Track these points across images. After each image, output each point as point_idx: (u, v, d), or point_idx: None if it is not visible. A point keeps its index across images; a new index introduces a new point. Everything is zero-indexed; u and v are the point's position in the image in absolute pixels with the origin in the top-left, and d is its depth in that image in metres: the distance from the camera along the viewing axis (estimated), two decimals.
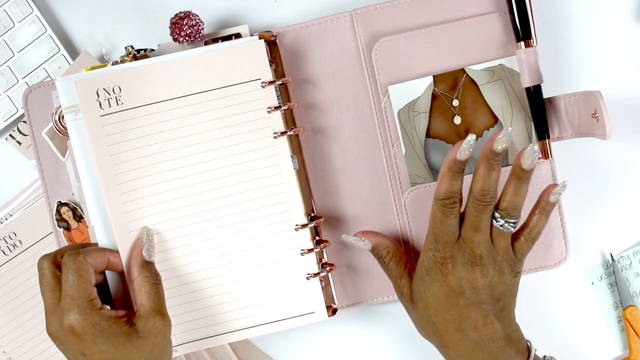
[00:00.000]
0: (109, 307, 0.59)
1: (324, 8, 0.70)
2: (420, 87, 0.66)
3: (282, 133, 0.65)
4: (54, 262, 0.59)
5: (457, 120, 0.67)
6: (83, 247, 0.61)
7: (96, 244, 0.63)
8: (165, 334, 0.59)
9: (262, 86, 0.64)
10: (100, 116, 0.63)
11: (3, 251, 0.71)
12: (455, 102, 0.67)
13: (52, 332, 0.58)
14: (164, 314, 0.59)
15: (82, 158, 0.63)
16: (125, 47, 0.66)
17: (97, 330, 0.57)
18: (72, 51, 0.72)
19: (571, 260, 0.68)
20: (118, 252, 0.62)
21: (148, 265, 0.61)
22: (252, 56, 0.64)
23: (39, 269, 0.59)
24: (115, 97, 0.63)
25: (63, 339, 0.57)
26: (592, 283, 0.70)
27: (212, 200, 0.64)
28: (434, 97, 0.66)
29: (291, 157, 0.65)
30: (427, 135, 0.67)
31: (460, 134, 0.67)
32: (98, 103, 0.63)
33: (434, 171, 0.67)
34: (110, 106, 0.63)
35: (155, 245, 0.63)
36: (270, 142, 0.65)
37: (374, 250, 0.65)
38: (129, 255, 0.62)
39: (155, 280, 0.60)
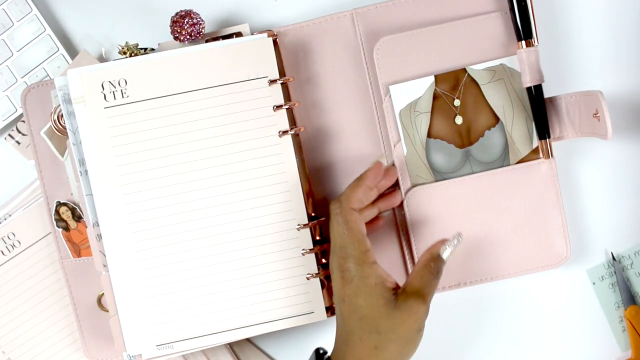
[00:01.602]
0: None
1: (324, 7, 0.70)
2: (421, 87, 0.66)
3: (285, 132, 0.64)
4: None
5: (459, 120, 0.66)
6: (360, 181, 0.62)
7: (360, 177, 0.63)
8: (418, 318, 0.59)
9: (268, 84, 0.64)
10: (105, 108, 0.64)
11: (2, 251, 0.71)
12: (457, 102, 0.66)
13: (330, 268, 0.61)
14: (426, 301, 0.59)
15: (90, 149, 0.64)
16: (124, 45, 0.66)
17: (363, 283, 0.58)
18: (72, 50, 0.72)
19: (572, 261, 0.68)
20: (372, 170, 0.63)
21: (438, 260, 0.61)
22: (260, 53, 0.64)
23: (330, 210, 0.61)
24: (121, 90, 0.64)
25: (333, 279, 0.60)
26: (594, 283, 0.70)
27: (214, 197, 0.64)
28: (436, 97, 0.66)
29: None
30: (429, 135, 0.66)
31: (461, 134, 0.66)
32: (103, 95, 0.64)
33: (435, 171, 0.67)
34: (115, 99, 0.64)
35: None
36: (274, 141, 0.65)
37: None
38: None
39: (436, 275, 0.60)
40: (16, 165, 0.72)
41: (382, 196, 0.67)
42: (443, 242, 0.61)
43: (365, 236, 0.60)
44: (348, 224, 0.60)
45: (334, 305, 0.66)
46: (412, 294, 0.59)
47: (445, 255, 0.61)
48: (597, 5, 0.69)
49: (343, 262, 0.59)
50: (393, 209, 0.68)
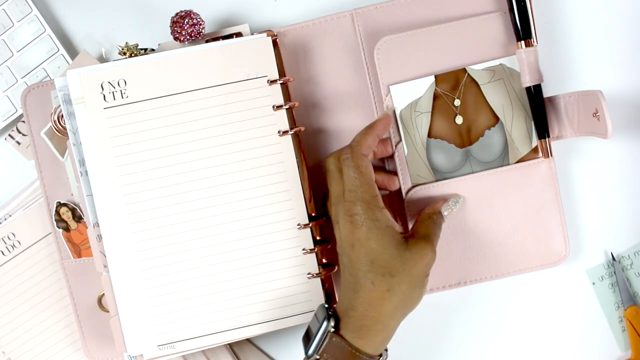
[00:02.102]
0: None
1: (324, 8, 0.70)
2: (422, 87, 0.66)
3: (285, 132, 0.65)
4: (339, 158, 0.62)
5: (459, 120, 0.67)
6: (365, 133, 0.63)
7: (369, 126, 0.64)
8: (428, 262, 0.60)
9: (268, 84, 0.64)
10: (104, 108, 0.64)
11: (2, 252, 0.71)
12: (457, 102, 0.66)
13: (333, 219, 0.62)
14: (434, 247, 0.61)
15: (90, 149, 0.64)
16: (124, 45, 0.66)
17: (374, 226, 0.59)
18: (72, 51, 0.72)
19: (572, 261, 0.68)
20: (382, 120, 0.64)
21: (440, 215, 0.64)
22: (259, 53, 0.65)
23: (326, 165, 0.63)
24: (121, 91, 0.64)
25: (341, 226, 0.60)
26: (593, 283, 0.70)
27: (214, 197, 0.64)
28: (436, 97, 0.66)
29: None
30: (429, 135, 0.67)
31: (462, 134, 0.67)
32: (102, 96, 0.64)
33: (435, 171, 0.67)
34: (114, 99, 0.64)
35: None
36: (274, 140, 0.65)
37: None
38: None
39: (439, 226, 0.63)
40: (16, 165, 0.72)
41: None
42: (444, 200, 0.65)
43: (375, 182, 0.61)
44: (359, 168, 0.60)
45: (335, 306, 0.66)
46: (421, 238, 0.60)
47: (445, 212, 0.64)
48: (597, 5, 0.69)
49: (352, 206, 0.59)
50: (392, 206, 0.68)
